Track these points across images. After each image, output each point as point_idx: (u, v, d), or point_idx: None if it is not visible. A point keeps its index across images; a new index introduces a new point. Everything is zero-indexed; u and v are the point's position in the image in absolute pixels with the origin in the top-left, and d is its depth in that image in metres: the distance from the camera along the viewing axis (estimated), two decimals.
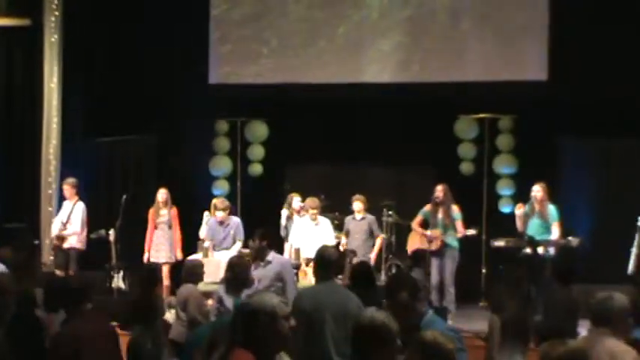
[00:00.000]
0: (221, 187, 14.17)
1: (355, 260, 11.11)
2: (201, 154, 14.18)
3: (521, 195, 11.99)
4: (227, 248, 11.45)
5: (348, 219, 12.04)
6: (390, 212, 12.93)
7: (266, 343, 3.87)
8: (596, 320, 5.04)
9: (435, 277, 11.26)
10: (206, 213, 12.18)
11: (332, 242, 11.23)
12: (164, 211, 12.22)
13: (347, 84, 13.51)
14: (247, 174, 14.29)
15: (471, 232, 11.46)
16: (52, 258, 12.69)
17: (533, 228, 11.05)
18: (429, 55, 13.64)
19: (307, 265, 10.90)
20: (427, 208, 11.53)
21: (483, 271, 12.96)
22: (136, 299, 7.18)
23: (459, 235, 11.31)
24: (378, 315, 4.04)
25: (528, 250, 10.88)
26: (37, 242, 12.92)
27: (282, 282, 8.08)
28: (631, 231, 10.76)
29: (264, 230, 8.46)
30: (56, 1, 13.56)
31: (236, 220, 11.80)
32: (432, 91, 13.16)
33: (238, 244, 11.51)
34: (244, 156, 14.27)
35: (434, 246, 11.32)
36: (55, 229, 12.20)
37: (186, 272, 8.67)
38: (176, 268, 11.37)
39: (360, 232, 11.85)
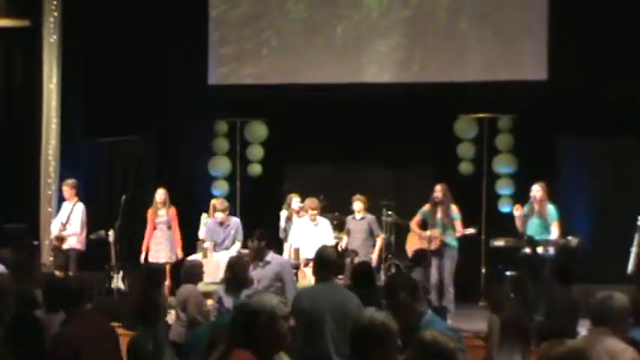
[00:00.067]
0: (220, 188, 14.17)
1: (357, 260, 11.13)
2: (200, 154, 14.18)
3: (521, 195, 12.00)
4: (227, 248, 11.45)
5: (348, 219, 12.05)
6: (390, 212, 12.92)
7: (265, 343, 3.87)
8: (596, 320, 5.05)
9: (434, 277, 11.27)
10: (204, 215, 12.18)
11: (331, 242, 11.24)
12: (162, 212, 12.23)
13: (346, 84, 13.51)
14: (247, 174, 14.29)
15: (471, 231, 11.44)
16: (51, 259, 12.69)
17: (533, 228, 11.06)
18: (428, 55, 13.66)
19: (306, 265, 10.90)
20: (426, 207, 11.53)
21: (483, 270, 12.95)
22: (140, 299, 7.17)
23: (458, 234, 11.31)
24: (378, 315, 4.04)
25: (528, 250, 10.88)
26: (36, 243, 12.91)
27: (282, 282, 8.08)
28: (630, 230, 10.76)
29: (263, 230, 8.47)
30: (55, 2, 13.56)
31: (236, 221, 11.80)
32: (432, 91, 13.16)
33: (237, 245, 11.51)
34: (243, 156, 14.27)
35: (433, 246, 11.32)
36: (54, 230, 12.20)
37: (185, 272, 8.66)
38: (176, 268, 11.37)
39: (360, 232, 11.85)
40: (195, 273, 8.62)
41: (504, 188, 13.39)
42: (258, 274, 8.04)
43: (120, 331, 8.75)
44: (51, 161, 13.58)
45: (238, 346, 3.84)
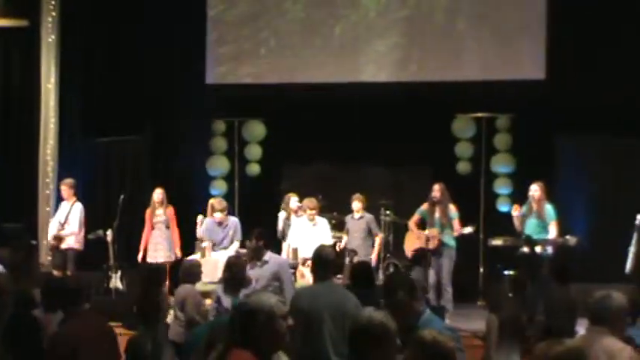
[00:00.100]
0: (218, 187, 14.16)
1: (356, 260, 11.13)
2: (198, 154, 14.17)
3: (519, 194, 12.01)
4: (225, 248, 11.43)
5: (347, 218, 12.06)
6: (388, 211, 12.93)
7: (264, 343, 3.87)
8: (594, 319, 5.05)
9: (432, 276, 11.27)
10: (200, 217, 12.16)
11: (329, 242, 11.24)
12: (160, 211, 12.22)
13: (344, 83, 13.51)
14: (245, 174, 14.29)
15: (469, 229, 11.40)
16: (49, 258, 12.68)
17: (531, 227, 11.07)
18: (426, 55, 13.66)
19: (303, 264, 10.90)
20: (424, 207, 11.53)
21: (481, 270, 12.96)
22: (141, 299, 7.16)
23: (456, 233, 11.30)
24: (376, 314, 4.03)
25: (526, 250, 10.89)
26: (34, 242, 12.90)
27: (280, 282, 8.09)
28: (629, 230, 10.76)
29: (261, 230, 8.47)
30: (53, 2, 13.56)
31: (234, 220, 11.77)
32: (430, 91, 13.16)
33: (236, 244, 11.50)
34: (242, 156, 14.27)
35: (431, 245, 11.32)
36: (52, 230, 12.19)
37: (183, 272, 8.66)
38: (175, 267, 11.36)
39: (359, 231, 11.86)
40: (193, 273, 8.62)
41: (502, 188, 13.39)
42: (256, 273, 8.05)
43: (121, 330, 8.79)
44: (49, 161, 13.59)
45: (237, 345, 3.84)
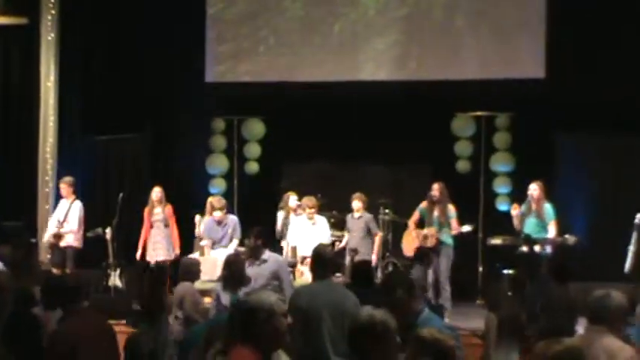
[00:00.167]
0: (218, 186, 14.15)
1: (357, 259, 11.12)
2: (198, 152, 14.17)
3: (518, 193, 12.00)
4: (224, 246, 11.43)
5: (347, 217, 12.05)
6: (387, 210, 12.91)
7: (264, 341, 3.87)
8: (594, 318, 5.05)
9: (430, 275, 11.26)
10: (197, 216, 12.15)
11: (328, 241, 11.25)
12: (158, 209, 12.20)
13: (344, 82, 13.50)
14: (244, 172, 14.28)
15: (467, 228, 11.38)
16: (48, 256, 12.67)
17: (530, 227, 11.07)
18: (425, 53, 13.65)
19: (302, 263, 10.90)
20: (424, 205, 11.52)
21: (480, 269, 12.95)
22: (148, 297, 7.16)
23: (454, 232, 11.28)
24: (376, 313, 4.04)
25: (525, 249, 10.88)
26: (34, 240, 12.90)
27: (279, 280, 8.08)
28: (628, 229, 10.74)
29: (260, 229, 8.47)
30: (53, 0, 13.55)
31: (233, 219, 11.76)
32: (429, 89, 13.15)
33: (235, 243, 11.50)
34: (241, 154, 14.26)
35: (429, 243, 11.31)
36: (52, 228, 12.19)
37: (182, 270, 8.67)
38: (174, 265, 11.36)
39: (358, 230, 11.84)
40: (192, 271, 8.63)
41: (502, 186, 13.38)
42: (255, 272, 8.04)
43: (124, 328, 8.80)
44: (48, 159, 13.58)
45: (237, 343, 3.84)
